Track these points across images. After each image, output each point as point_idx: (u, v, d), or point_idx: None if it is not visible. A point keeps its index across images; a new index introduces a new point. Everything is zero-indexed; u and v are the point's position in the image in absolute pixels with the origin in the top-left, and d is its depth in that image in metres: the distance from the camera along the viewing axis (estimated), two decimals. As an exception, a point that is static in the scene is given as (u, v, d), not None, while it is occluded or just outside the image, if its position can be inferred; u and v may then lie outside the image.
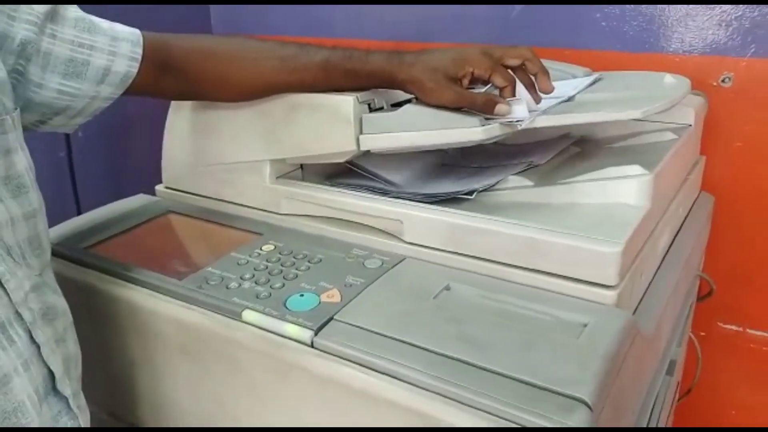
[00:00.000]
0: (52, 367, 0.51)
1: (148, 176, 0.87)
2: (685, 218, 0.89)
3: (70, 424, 0.53)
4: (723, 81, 1.01)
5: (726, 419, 1.19)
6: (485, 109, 0.64)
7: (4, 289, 0.48)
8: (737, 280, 1.09)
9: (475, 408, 0.45)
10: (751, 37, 0.96)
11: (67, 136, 1.10)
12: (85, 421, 0.54)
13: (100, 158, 1.15)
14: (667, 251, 0.77)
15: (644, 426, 0.61)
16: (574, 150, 0.82)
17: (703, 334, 1.14)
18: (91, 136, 1.13)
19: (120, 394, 0.60)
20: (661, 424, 0.73)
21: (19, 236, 0.50)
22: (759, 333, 1.11)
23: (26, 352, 0.49)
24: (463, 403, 0.45)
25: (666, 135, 0.80)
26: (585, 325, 0.51)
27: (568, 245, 0.56)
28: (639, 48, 1.04)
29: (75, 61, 0.57)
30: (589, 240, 0.56)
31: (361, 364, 0.50)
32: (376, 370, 0.49)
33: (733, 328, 1.13)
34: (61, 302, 0.55)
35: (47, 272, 0.54)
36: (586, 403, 0.43)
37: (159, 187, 0.84)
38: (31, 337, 0.50)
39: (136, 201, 0.82)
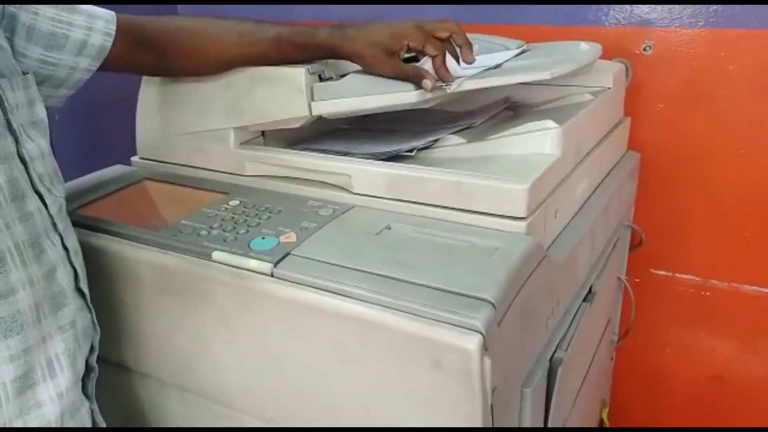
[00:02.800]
0: (77, 268, 0.64)
1: (124, 153, 0.95)
2: (609, 172, 1.00)
3: (88, 318, 0.65)
4: (644, 49, 1.12)
5: (662, 357, 1.31)
6: (417, 81, 0.74)
7: (45, 204, 0.60)
8: (665, 230, 1.21)
9: (405, 311, 0.55)
10: (669, 9, 1.07)
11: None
12: (93, 318, 0.66)
13: (77, 138, 1.23)
14: (589, 199, 0.89)
15: (559, 338, 0.72)
16: (508, 113, 0.92)
17: (637, 280, 1.27)
18: (67, 118, 1.20)
19: (105, 336, 0.69)
20: (582, 347, 0.85)
21: (48, 168, 0.62)
22: (687, 277, 1.23)
23: (61, 252, 0.62)
24: (396, 309, 0.55)
25: (585, 97, 0.91)
26: (497, 249, 0.62)
27: (487, 185, 0.67)
28: (572, 21, 1.15)
29: (56, 35, 0.65)
30: (503, 180, 0.66)
31: (313, 287, 0.60)
32: (326, 290, 0.59)
33: (664, 273, 1.25)
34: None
35: (62, 204, 0.65)
36: (490, 302, 0.54)
37: (134, 158, 0.93)
38: (63, 243, 0.62)
39: (114, 171, 0.90)
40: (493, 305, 0.54)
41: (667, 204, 1.20)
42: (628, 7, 1.11)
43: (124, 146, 0.95)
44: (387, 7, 1.22)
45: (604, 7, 1.12)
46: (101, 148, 1.25)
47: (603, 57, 1.03)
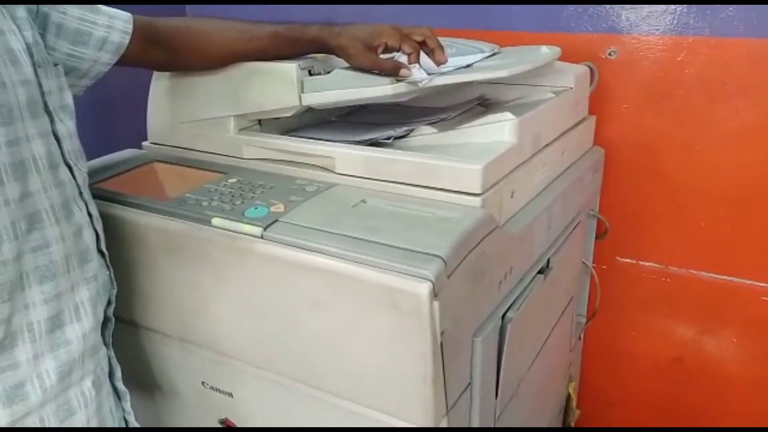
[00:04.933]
0: (98, 231, 0.75)
1: (135, 141, 1.07)
2: (573, 163, 1.11)
3: (107, 274, 0.77)
4: (610, 54, 1.23)
5: (627, 339, 1.42)
6: (393, 72, 0.85)
7: (74, 175, 0.71)
8: (629, 220, 1.32)
9: (370, 265, 0.66)
10: (631, 17, 1.18)
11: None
12: (111, 275, 0.78)
13: (92, 129, 1.34)
14: (549, 185, 0.99)
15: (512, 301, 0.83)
16: (480, 109, 1.04)
17: (604, 267, 1.37)
18: (84, 111, 1.31)
19: (120, 295, 0.79)
20: (536, 314, 0.95)
21: (74, 146, 0.73)
22: (649, 264, 1.34)
23: (86, 217, 0.73)
24: (362, 263, 0.66)
25: (547, 95, 1.02)
26: (453, 218, 0.73)
27: (448, 166, 0.78)
28: (543, 28, 1.26)
29: (81, 32, 0.77)
30: (462, 162, 0.78)
31: (296, 246, 0.71)
32: (306, 249, 0.70)
33: (628, 260, 1.36)
34: None
35: (86, 178, 0.76)
36: (441, 257, 0.65)
37: (145, 143, 1.04)
38: (87, 210, 0.73)
39: (127, 153, 1.02)
40: (444, 260, 0.65)
41: (631, 196, 1.30)
42: (595, 15, 1.22)
43: (135, 135, 1.06)
44: (374, 8, 1.34)
45: (574, 15, 1.23)
46: (115, 136, 1.37)
47: (572, 61, 1.15)
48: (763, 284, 1.23)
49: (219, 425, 0.90)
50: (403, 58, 0.86)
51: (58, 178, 0.69)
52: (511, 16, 1.28)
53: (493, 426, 0.85)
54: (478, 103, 1.06)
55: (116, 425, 0.79)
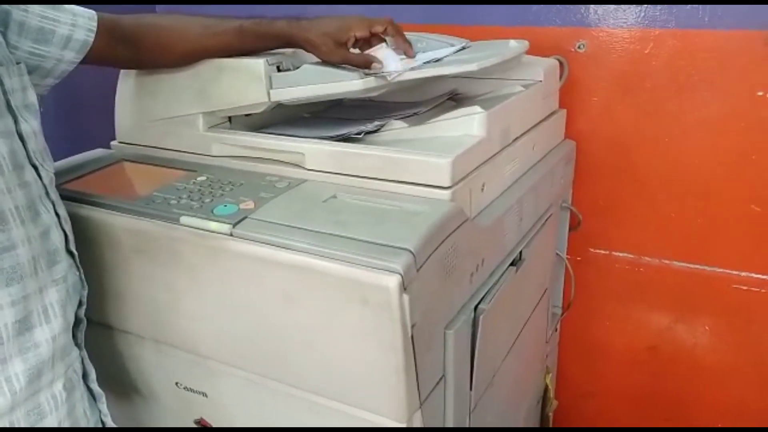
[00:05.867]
0: (66, 231, 0.74)
1: (103, 141, 1.05)
2: (544, 157, 1.12)
3: (77, 275, 0.76)
4: (579, 47, 1.24)
5: (602, 329, 1.43)
6: (364, 66, 0.85)
7: (39, 175, 0.70)
8: (601, 212, 1.33)
9: (340, 260, 0.66)
10: (599, 10, 1.19)
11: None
12: (81, 276, 0.77)
13: (60, 129, 1.32)
14: (520, 178, 1.00)
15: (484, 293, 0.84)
16: (451, 103, 1.04)
17: (578, 258, 1.39)
18: (50, 110, 1.30)
19: (91, 297, 0.78)
20: (510, 306, 0.96)
21: (39, 146, 0.72)
22: (622, 254, 1.35)
23: (53, 218, 0.72)
24: (332, 258, 0.66)
25: (517, 88, 1.03)
26: (422, 212, 0.73)
27: (417, 160, 0.78)
28: (513, 22, 1.27)
29: (44, 30, 0.75)
30: (431, 155, 0.78)
31: (266, 243, 0.70)
32: (276, 245, 0.70)
33: (602, 252, 1.37)
34: None
35: (53, 178, 0.74)
36: (410, 251, 0.65)
37: (113, 143, 1.03)
38: (55, 210, 0.72)
39: (95, 153, 1.01)
40: (412, 253, 0.65)
41: (603, 188, 1.32)
42: (563, 8, 1.22)
43: (103, 135, 1.05)
44: (345, 8, 1.34)
45: (543, 9, 1.24)
46: (83, 137, 1.35)
47: (541, 55, 1.15)
48: (733, 272, 1.26)
49: (194, 425, 0.90)
50: (376, 51, 0.86)
51: (23, 178, 0.68)
52: (481, 11, 1.28)
53: (468, 416, 0.85)
54: (450, 97, 1.06)
55: (92, 426, 0.78)
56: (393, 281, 0.62)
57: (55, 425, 0.71)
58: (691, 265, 1.30)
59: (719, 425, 1.39)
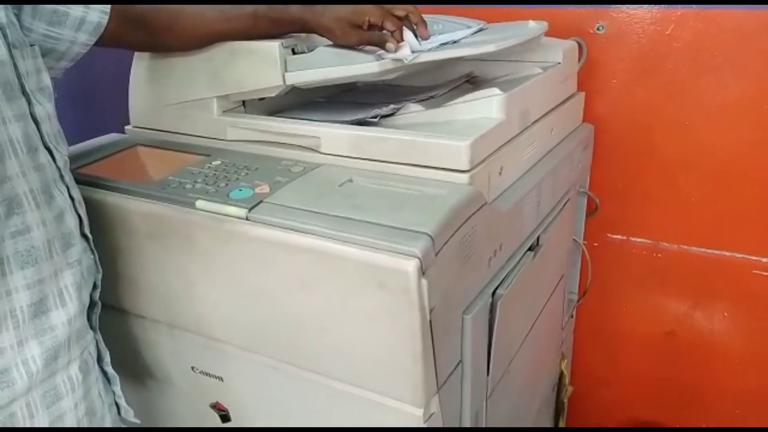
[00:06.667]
0: (81, 215, 0.74)
1: (118, 127, 1.05)
2: (562, 141, 1.10)
3: (91, 258, 0.76)
4: (598, 29, 1.21)
5: (619, 315, 1.42)
6: (379, 44, 0.84)
7: (54, 158, 0.70)
8: (619, 197, 1.31)
9: (357, 244, 0.65)
10: (619, -10, 1.17)
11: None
12: (95, 259, 0.77)
13: (75, 114, 1.32)
14: (539, 162, 0.99)
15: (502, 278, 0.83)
16: (468, 86, 1.02)
17: (595, 244, 1.37)
18: (66, 96, 1.30)
19: (106, 282, 0.78)
20: (527, 291, 0.95)
21: (54, 129, 0.72)
22: (640, 240, 1.34)
23: (68, 201, 0.72)
24: (349, 242, 0.65)
25: (535, 70, 1.01)
26: (440, 196, 0.72)
27: (435, 143, 0.77)
28: (531, 3, 1.24)
29: (57, 12, 0.75)
30: (449, 138, 0.76)
31: (281, 227, 0.70)
32: (291, 229, 0.69)
33: (619, 237, 1.35)
34: None
35: (67, 161, 0.74)
36: (428, 235, 0.64)
37: (128, 127, 1.02)
38: (69, 193, 0.72)
39: (110, 138, 1.00)
40: (431, 237, 0.64)
41: (621, 172, 1.30)
42: (582, -12, 1.20)
43: (118, 120, 1.04)
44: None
45: (561, -11, 1.21)
46: (98, 122, 1.35)
47: (559, 36, 1.13)
48: (754, 258, 1.24)
49: (210, 409, 0.90)
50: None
51: (38, 161, 0.67)
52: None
53: (485, 402, 0.84)
54: (467, 80, 1.04)
55: (106, 409, 0.79)
56: (411, 265, 0.61)
57: (71, 407, 0.72)
58: (711, 251, 1.28)
59: (737, 412, 1.38)
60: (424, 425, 0.70)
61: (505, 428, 0.96)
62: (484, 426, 0.85)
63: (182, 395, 0.92)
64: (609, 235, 1.36)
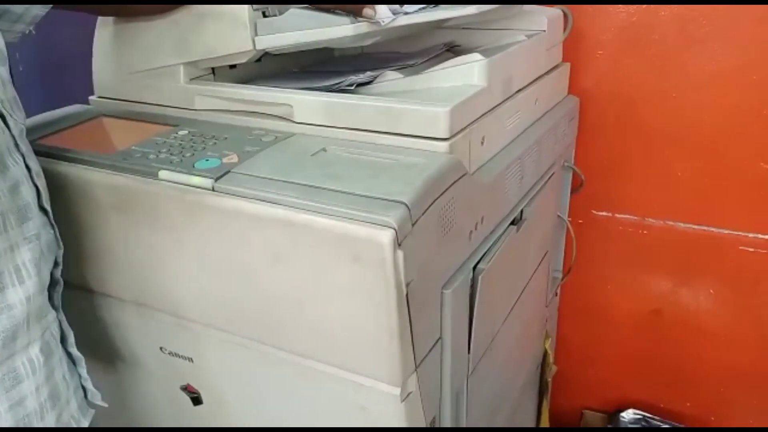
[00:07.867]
0: (39, 186, 0.69)
1: (84, 100, 1.00)
2: (547, 112, 1.06)
3: (51, 233, 0.71)
4: (584, -3, 1.17)
5: (605, 293, 1.40)
6: (355, 11, 0.79)
7: (7, 125, 0.65)
8: (605, 172, 1.29)
9: (329, 214, 0.61)
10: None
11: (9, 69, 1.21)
12: (56, 234, 0.72)
13: (38, 86, 1.26)
14: (522, 133, 0.95)
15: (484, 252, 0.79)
16: (449, 55, 0.98)
17: (580, 221, 1.34)
18: (30, 69, 1.24)
19: (69, 259, 0.73)
20: (509, 266, 0.92)
21: (8, 95, 0.66)
22: (625, 216, 1.31)
23: (24, 171, 0.66)
24: (322, 213, 0.61)
25: (519, 38, 0.97)
26: (418, 164, 0.68)
27: (413, 109, 0.73)
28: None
29: None
30: (427, 105, 0.72)
31: (250, 198, 0.66)
32: (261, 200, 0.65)
33: (604, 214, 1.33)
34: None
35: (23, 129, 0.69)
36: (404, 204, 0.60)
37: (92, 98, 0.97)
38: (26, 163, 0.67)
39: (73, 108, 0.95)
40: (407, 206, 0.60)
41: (607, 147, 1.27)
42: (569, -44, 1.16)
43: (86, 93, 0.99)
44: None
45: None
46: (65, 96, 1.29)
47: (545, 4, 1.09)
48: (740, 233, 1.22)
49: (181, 391, 0.86)
50: None
51: None
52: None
53: (465, 380, 0.81)
54: (448, 49, 1.00)
55: (71, 393, 0.74)
56: (386, 236, 0.58)
57: (32, 390, 0.67)
58: (697, 227, 1.26)
59: (722, 390, 1.37)
60: (402, 404, 0.67)
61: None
62: (464, 405, 0.82)
63: (152, 377, 0.89)
64: (594, 211, 1.33)
